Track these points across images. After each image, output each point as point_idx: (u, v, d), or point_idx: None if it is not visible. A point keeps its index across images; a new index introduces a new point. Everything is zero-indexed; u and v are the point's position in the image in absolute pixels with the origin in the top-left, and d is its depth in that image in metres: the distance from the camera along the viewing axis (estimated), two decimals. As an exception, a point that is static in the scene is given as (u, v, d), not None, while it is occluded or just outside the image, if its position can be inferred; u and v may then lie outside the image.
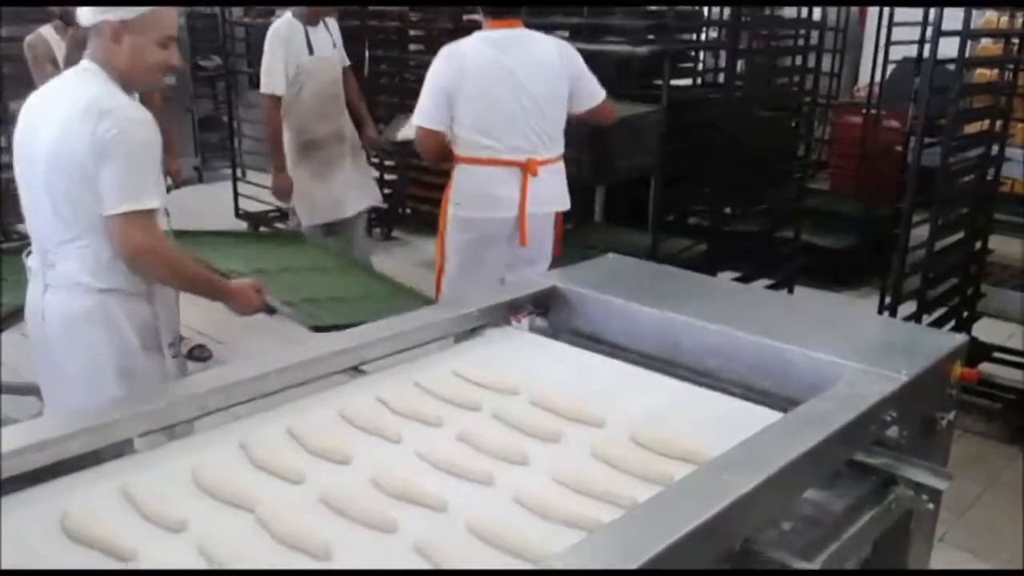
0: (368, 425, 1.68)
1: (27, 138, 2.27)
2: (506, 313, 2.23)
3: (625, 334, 2.14)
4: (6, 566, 1.22)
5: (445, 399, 1.81)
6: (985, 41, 5.65)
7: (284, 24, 4.38)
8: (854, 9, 8.14)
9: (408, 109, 4.32)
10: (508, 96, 3.24)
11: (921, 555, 2.15)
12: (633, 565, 1.19)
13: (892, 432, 1.79)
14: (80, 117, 2.14)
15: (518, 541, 1.35)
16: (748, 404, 1.83)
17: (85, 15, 2.23)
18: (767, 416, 1.72)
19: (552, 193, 3.42)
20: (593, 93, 3.40)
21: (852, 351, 1.90)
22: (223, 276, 2.48)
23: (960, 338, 2.07)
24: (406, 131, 4.30)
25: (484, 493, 1.50)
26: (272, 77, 4.34)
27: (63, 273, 2.27)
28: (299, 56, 4.38)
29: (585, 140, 4.93)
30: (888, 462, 1.77)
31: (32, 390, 3.64)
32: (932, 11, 3.78)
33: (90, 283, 2.26)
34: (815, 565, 1.50)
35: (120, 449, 1.58)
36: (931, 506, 1.81)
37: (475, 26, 4.36)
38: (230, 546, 1.31)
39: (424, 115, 3.33)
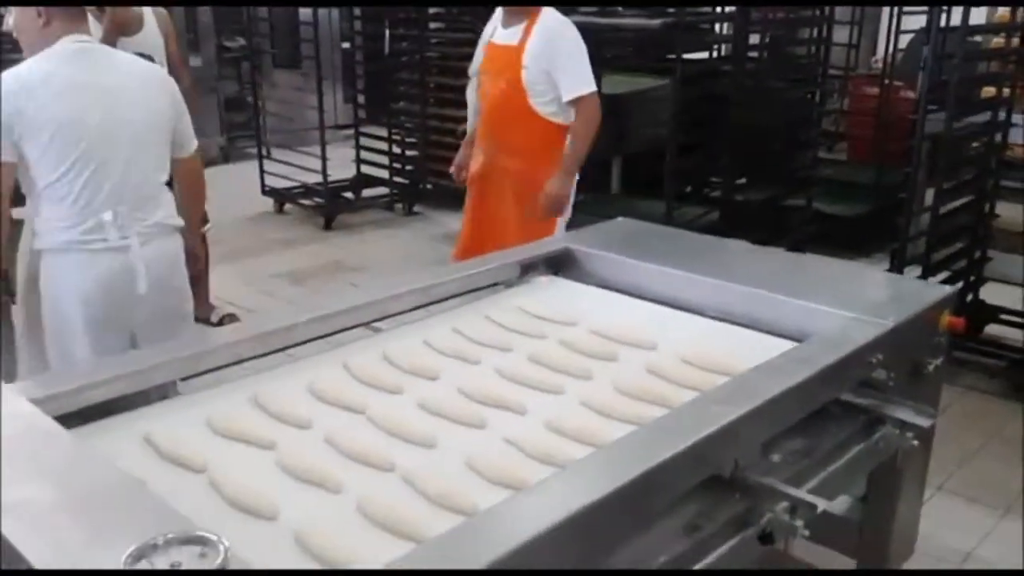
0: (449, 350, 1.95)
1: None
2: (519, 271, 2.39)
3: (630, 288, 2.28)
4: (178, 455, 1.46)
5: (513, 329, 2.06)
6: (1003, 10, 5.68)
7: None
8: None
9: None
10: None
11: (913, 494, 2.29)
12: (629, 477, 1.34)
13: (881, 375, 1.92)
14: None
15: (589, 434, 1.58)
16: (765, 335, 2.01)
17: None
18: (784, 344, 1.92)
19: None
20: None
21: (843, 301, 2.02)
22: None
23: (947, 289, 2.19)
24: None
25: (556, 400, 1.75)
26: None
27: (157, 220, 2.53)
28: None
29: (602, 113, 5.06)
30: (876, 403, 1.90)
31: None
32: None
33: (175, 224, 2.60)
34: (803, 491, 1.63)
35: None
36: (916, 443, 1.92)
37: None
38: (352, 438, 1.55)
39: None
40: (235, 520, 1.31)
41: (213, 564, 0.92)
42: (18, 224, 2.59)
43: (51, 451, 1.25)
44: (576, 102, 3.35)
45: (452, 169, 3.80)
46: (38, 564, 0.96)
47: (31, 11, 2.41)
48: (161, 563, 0.91)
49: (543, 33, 3.37)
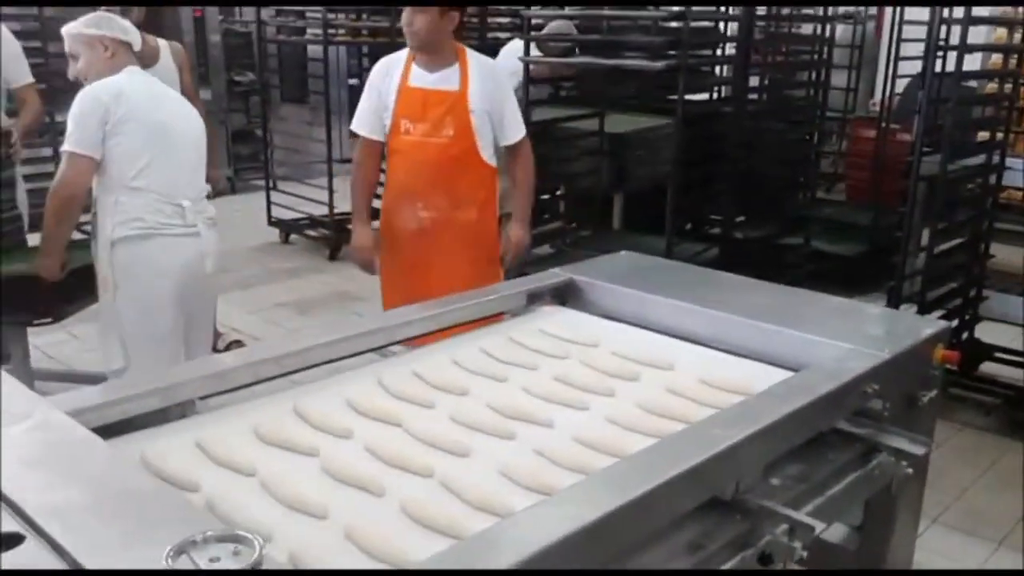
0: (477, 368, 2.04)
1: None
2: (526, 301, 2.47)
3: (633, 318, 2.34)
4: (229, 460, 1.54)
5: (537, 350, 2.15)
6: (996, 57, 5.82)
7: None
8: (870, 26, 8.33)
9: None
10: None
11: (909, 524, 2.34)
12: (635, 495, 1.39)
13: (876, 405, 1.98)
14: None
15: (614, 447, 1.68)
16: (765, 365, 2.08)
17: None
18: (785, 374, 2.00)
19: None
20: None
21: (841, 333, 2.09)
22: None
23: (941, 323, 2.26)
24: None
25: (581, 416, 1.84)
26: None
27: (209, 216, 3.05)
28: None
29: (604, 151, 5.17)
30: (871, 432, 1.96)
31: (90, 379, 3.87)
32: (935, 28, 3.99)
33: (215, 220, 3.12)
34: (802, 513, 1.69)
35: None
36: (911, 471, 1.98)
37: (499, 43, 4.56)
38: (390, 449, 1.64)
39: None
40: (288, 519, 1.39)
41: (248, 560, 0.98)
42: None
43: (89, 459, 1.31)
44: (514, 146, 3.31)
45: (360, 255, 3.45)
46: (82, 560, 1.02)
47: (99, 47, 2.92)
48: (200, 558, 0.97)
49: (484, 75, 3.24)
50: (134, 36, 3.01)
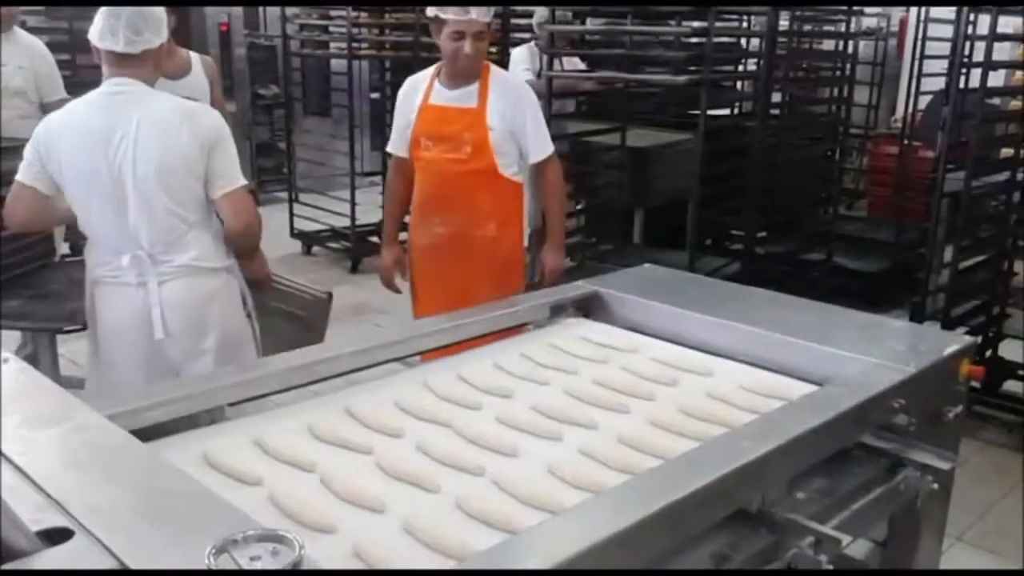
0: (522, 373, 2.08)
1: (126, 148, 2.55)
2: (549, 313, 2.49)
3: (657, 331, 2.35)
4: (287, 456, 1.59)
5: (578, 355, 2.19)
6: (1020, 73, 5.81)
7: None
8: (892, 43, 8.35)
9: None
10: None
11: (933, 540, 2.33)
12: (656, 507, 1.40)
13: (902, 420, 1.98)
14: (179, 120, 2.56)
15: (657, 448, 1.71)
16: (795, 380, 2.07)
17: None
18: (812, 387, 2.02)
19: None
20: None
21: (866, 347, 2.10)
22: None
23: (967, 339, 2.26)
24: None
25: (624, 419, 1.87)
26: None
27: (184, 262, 2.58)
28: None
29: (625, 165, 5.20)
30: (897, 446, 1.96)
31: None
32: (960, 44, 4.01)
33: (208, 266, 2.62)
34: (827, 527, 1.69)
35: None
36: (936, 486, 1.98)
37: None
38: (442, 448, 1.69)
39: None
40: (347, 513, 1.44)
41: (287, 560, 1.00)
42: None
43: (131, 461, 1.34)
44: (541, 164, 3.29)
45: (382, 274, 3.54)
46: (125, 558, 1.04)
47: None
48: (242, 557, 1.00)
49: (505, 93, 3.22)
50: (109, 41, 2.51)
